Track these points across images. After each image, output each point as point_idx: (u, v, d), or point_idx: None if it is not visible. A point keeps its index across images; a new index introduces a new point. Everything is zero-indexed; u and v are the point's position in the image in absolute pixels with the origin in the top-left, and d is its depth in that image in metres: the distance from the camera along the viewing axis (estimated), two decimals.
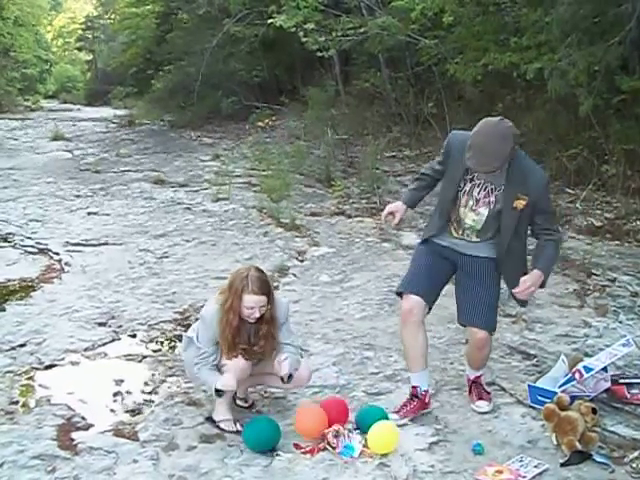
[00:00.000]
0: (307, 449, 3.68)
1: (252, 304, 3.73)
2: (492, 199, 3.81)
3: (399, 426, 3.86)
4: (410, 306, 3.95)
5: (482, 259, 3.94)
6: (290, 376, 3.84)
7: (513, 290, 3.79)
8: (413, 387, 4.05)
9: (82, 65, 48.07)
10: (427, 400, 4.06)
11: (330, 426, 3.77)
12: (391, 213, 4.10)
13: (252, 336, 3.87)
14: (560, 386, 4.06)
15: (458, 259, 4.00)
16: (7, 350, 4.90)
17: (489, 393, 4.21)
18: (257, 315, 3.77)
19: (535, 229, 3.87)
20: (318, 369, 4.58)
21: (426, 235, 4.11)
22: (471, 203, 3.84)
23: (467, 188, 3.85)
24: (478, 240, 3.92)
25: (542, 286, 3.85)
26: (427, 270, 4.01)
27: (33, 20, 38.40)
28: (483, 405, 4.08)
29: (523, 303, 4.08)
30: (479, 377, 4.22)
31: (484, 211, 3.83)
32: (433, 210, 4.15)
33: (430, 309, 4.04)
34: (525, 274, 3.84)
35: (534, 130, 9.65)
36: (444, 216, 3.98)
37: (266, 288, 3.79)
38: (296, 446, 3.71)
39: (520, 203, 3.74)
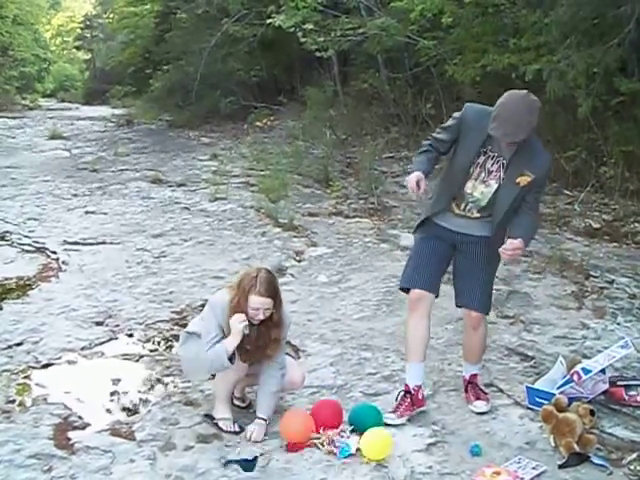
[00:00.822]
0: (294, 445, 3.70)
1: (257, 305, 3.72)
2: (502, 174, 3.84)
3: (395, 426, 3.87)
4: (417, 298, 4.03)
5: (477, 238, 3.97)
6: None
7: (501, 248, 3.73)
8: (406, 384, 4.08)
9: (80, 64, 48.08)
10: (420, 396, 4.06)
11: (322, 428, 3.77)
12: (417, 184, 3.84)
13: (259, 338, 3.85)
14: (558, 388, 4.06)
15: (456, 240, 4.02)
16: (4, 349, 4.88)
17: (486, 393, 4.21)
18: (261, 317, 3.76)
19: (522, 205, 3.87)
20: (315, 369, 4.58)
21: (427, 214, 4.10)
22: (483, 175, 3.87)
23: (481, 160, 3.87)
24: (478, 216, 3.94)
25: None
26: (428, 260, 4.04)
27: (32, 19, 38.37)
28: (481, 405, 4.08)
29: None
30: (475, 376, 4.23)
31: (494, 184, 3.86)
32: (435, 186, 4.15)
33: (437, 294, 4.10)
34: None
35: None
36: (452, 189, 3.98)
37: (273, 291, 3.78)
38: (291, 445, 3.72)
39: (524, 180, 3.77)
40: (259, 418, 3.83)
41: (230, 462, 3.52)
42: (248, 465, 3.50)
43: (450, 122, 4.00)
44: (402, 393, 4.07)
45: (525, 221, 3.85)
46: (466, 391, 4.21)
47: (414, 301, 4.04)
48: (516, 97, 3.67)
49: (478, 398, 4.12)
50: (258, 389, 3.95)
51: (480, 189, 3.89)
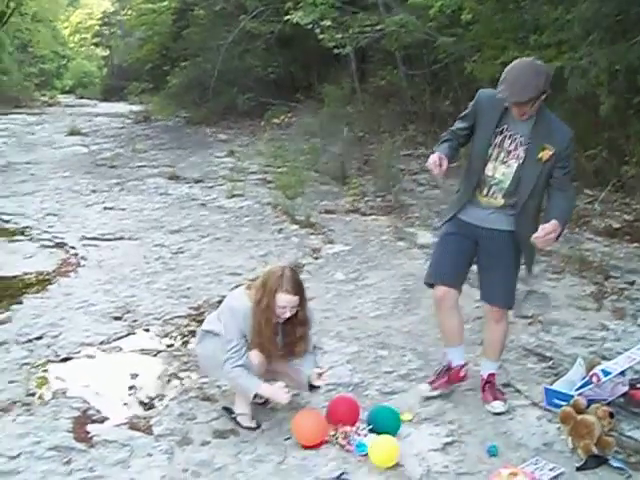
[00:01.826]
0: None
1: (285, 303, 3.73)
2: (521, 153, 3.82)
3: (414, 423, 3.90)
4: (442, 294, 4.08)
5: (501, 234, 3.95)
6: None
7: (533, 236, 3.68)
8: (448, 361, 4.22)
9: (98, 61, 48.31)
10: (462, 374, 4.19)
11: (337, 425, 3.78)
12: (438, 164, 3.85)
13: (285, 336, 3.88)
14: (577, 389, 4.02)
15: (479, 236, 4.00)
16: (24, 342, 4.92)
17: (503, 394, 4.19)
18: (287, 315, 3.78)
19: (552, 183, 3.84)
20: (332, 367, 4.57)
21: (453, 210, 4.11)
22: (502, 155, 3.87)
23: (498, 141, 3.88)
24: (502, 202, 3.91)
25: (557, 238, 3.78)
26: (449, 256, 4.07)
27: (51, 16, 38.63)
28: (499, 405, 4.06)
29: (529, 269, 4.13)
30: (493, 376, 4.20)
31: (514, 164, 3.85)
32: (459, 181, 4.16)
33: (461, 289, 4.13)
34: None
35: None
36: (474, 175, 3.97)
37: (299, 288, 3.80)
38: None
39: (545, 154, 3.76)
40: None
41: None
42: None
43: (466, 111, 4.07)
44: (444, 368, 4.21)
45: (558, 201, 3.80)
46: (483, 390, 4.18)
47: (438, 297, 4.11)
48: (523, 61, 3.77)
49: (496, 398, 4.10)
50: (293, 374, 3.97)
51: (501, 170, 3.88)
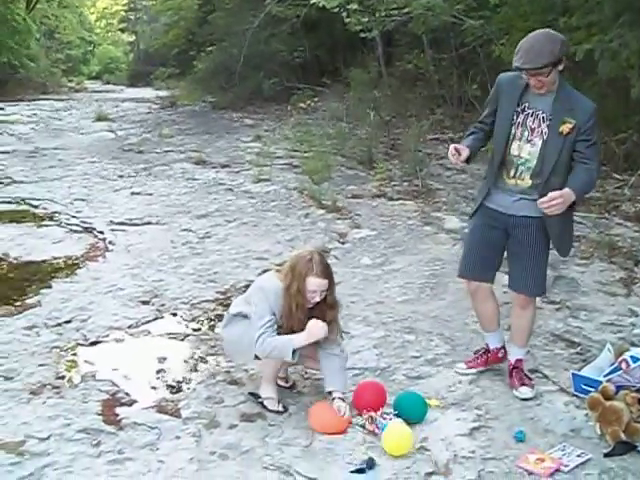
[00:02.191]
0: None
1: (315, 287, 3.74)
2: (544, 129, 3.80)
3: (440, 408, 3.91)
4: (474, 288, 4.22)
5: (529, 220, 3.91)
6: None
7: (538, 201, 3.66)
8: (486, 344, 4.34)
9: (125, 46, 48.56)
10: (501, 355, 4.28)
11: (363, 410, 3.78)
12: (457, 150, 3.93)
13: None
14: (605, 375, 4.00)
15: (507, 224, 3.98)
16: (53, 326, 4.97)
17: (531, 379, 4.18)
18: (317, 299, 3.78)
19: (575, 157, 3.78)
20: (359, 351, 4.58)
21: (481, 197, 4.11)
22: (527, 134, 3.85)
23: (520, 119, 3.87)
24: (530, 183, 3.88)
25: (571, 206, 3.73)
26: (479, 250, 4.10)
27: (77, 2, 38.84)
28: (526, 391, 4.05)
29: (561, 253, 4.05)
30: (521, 362, 4.19)
31: (538, 141, 3.82)
32: (486, 169, 4.17)
33: (494, 277, 4.16)
34: (564, 224, 3.87)
35: None
36: (497, 156, 3.96)
37: (328, 272, 3.81)
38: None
39: (566, 127, 3.72)
40: (339, 398, 3.80)
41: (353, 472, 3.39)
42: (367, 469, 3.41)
43: (488, 97, 4.11)
44: (482, 350, 4.32)
45: (577, 172, 3.74)
46: (510, 376, 4.17)
47: (472, 291, 4.24)
48: (538, 31, 3.80)
49: (523, 384, 4.08)
50: (322, 368, 3.93)
51: (527, 149, 3.86)
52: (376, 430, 3.66)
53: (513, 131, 3.88)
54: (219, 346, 4.61)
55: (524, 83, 3.81)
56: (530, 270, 3.98)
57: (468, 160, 3.98)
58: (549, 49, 3.63)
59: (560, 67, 3.69)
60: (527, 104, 3.84)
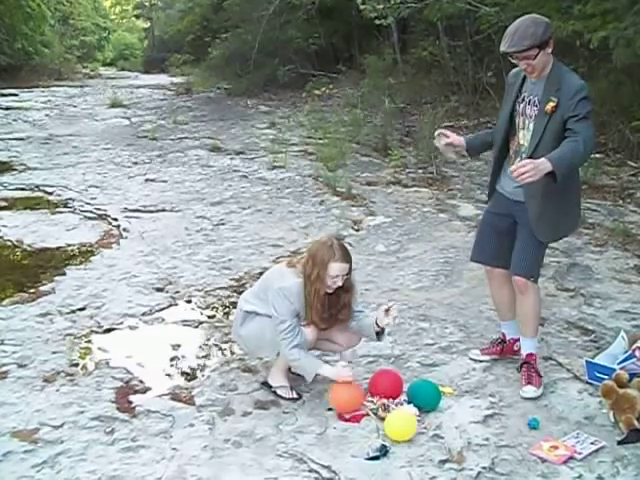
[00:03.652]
0: (349, 417, 3.71)
1: (338, 272, 3.75)
2: (535, 112, 3.80)
3: (454, 395, 3.90)
4: (490, 272, 4.27)
5: (524, 206, 3.89)
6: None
7: (509, 169, 3.70)
8: (502, 333, 4.34)
9: (139, 32, 48.55)
10: (515, 347, 4.25)
11: (376, 398, 3.79)
12: (445, 135, 4.03)
13: (331, 306, 3.89)
14: (619, 363, 3.98)
15: (513, 210, 3.97)
16: (67, 313, 4.99)
17: (540, 377, 4.04)
18: (339, 284, 3.80)
19: (567, 135, 3.66)
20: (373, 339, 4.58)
21: (491, 184, 4.14)
22: (527, 122, 3.85)
23: (520, 109, 3.88)
24: None
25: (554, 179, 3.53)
26: (489, 237, 4.13)
27: None
28: (530, 391, 3.93)
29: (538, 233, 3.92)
30: (531, 356, 4.08)
31: (531, 126, 3.83)
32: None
33: (508, 264, 4.08)
34: (544, 208, 3.80)
35: (597, 101, 9.37)
36: (496, 145, 4.02)
37: (349, 257, 3.84)
38: (340, 417, 3.72)
39: (550, 106, 3.69)
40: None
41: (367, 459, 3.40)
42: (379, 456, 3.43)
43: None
44: (498, 339, 4.33)
45: (563, 148, 3.59)
46: (520, 371, 4.09)
47: (487, 275, 4.29)
48: (524, 16, 3.76)
49: (529, 382, 3.97)
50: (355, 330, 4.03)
51: (527, 136, 3.86)
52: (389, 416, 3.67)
53: (517, 121, 3.89)
54: None
55: (524, 74, 3.84)
56: (520, 250, 3.95)
57: (471, 152, 4.15)
58: (531, 31, 3.62)
59: (548, 50, 3.68)
60: (526, 93, 3.85)
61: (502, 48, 3.71)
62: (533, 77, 3.78)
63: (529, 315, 4.06)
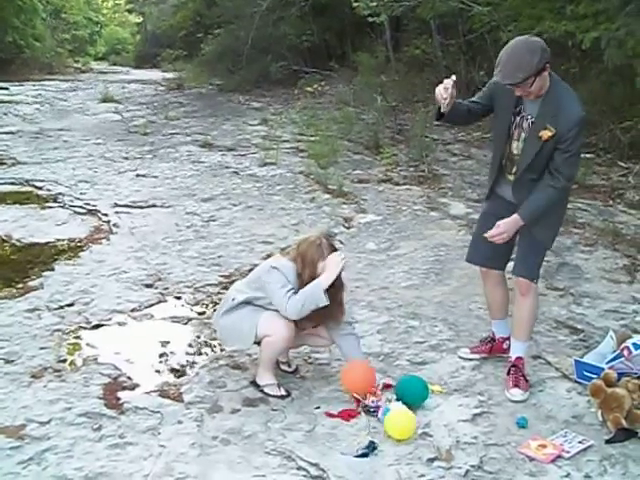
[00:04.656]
0: (339, 414, 3.71)
1: None
2: (527, 128, 3.79)
3: (443, 394, 3.91)
4: (483, 274, 4.31)
5: None
6: None
7: (486, 234, 3.84)
8: (492, 332, 4.37)
9: (132, 27, 48.25)
10: (505, 346, 4.26)
11: (366, 395, 3.79)
12: (445, 88, 3.74)
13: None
14: (607, 362, 4.00)
15: (512, 212, 3.94)
16: (55, 309, 4.97)
17: (527, 381, 4.02)
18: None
19: (550, 164, 3.72)
20: (362, 337, 4.54)
21: (490, 182, 4.13)
22: (523, 135, 3.83)
23: (517, 121, 3.85)
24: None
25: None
26: (485, 239, 4.03)
27: None
28: (517, 394, 3.92)
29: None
30: (520, 360, 4.07)
31: (524, 143, 3.83)
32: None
33: (504, 265, 4.20)
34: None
35: (588, 101, 9.38)
36: (496, 154, 4.01)
37: None
38: (328, 414, 3.72)
39: (546, 134, 3.66)
40: None
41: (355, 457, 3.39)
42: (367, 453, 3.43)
43: (483, 89, 4.04)
44: (487, 338, 4.35)
45: (536, 195, 3.75)
46: (508, 373, 4.06)
47: (482, 276, 4.33)
48: (517, 40, 3.65)
49: (516, 385, 3.96)
50: (341, 347, 4.05)
51: (520, 148, 3.85)
52: (379, 412, 3.67)
53: (513, 131, 3.87)
54: None
55: None
56: (521, 253, 3.99)
57: (447, 117, 3.89)
58: (527, 61, 3.50)
59: (545, 74, 3.60)
60: (522, 107, 3.80)
61: (496, 77, 3.62)
62: (530, 98, 3.72)
63: (526, 318, 4.06)
